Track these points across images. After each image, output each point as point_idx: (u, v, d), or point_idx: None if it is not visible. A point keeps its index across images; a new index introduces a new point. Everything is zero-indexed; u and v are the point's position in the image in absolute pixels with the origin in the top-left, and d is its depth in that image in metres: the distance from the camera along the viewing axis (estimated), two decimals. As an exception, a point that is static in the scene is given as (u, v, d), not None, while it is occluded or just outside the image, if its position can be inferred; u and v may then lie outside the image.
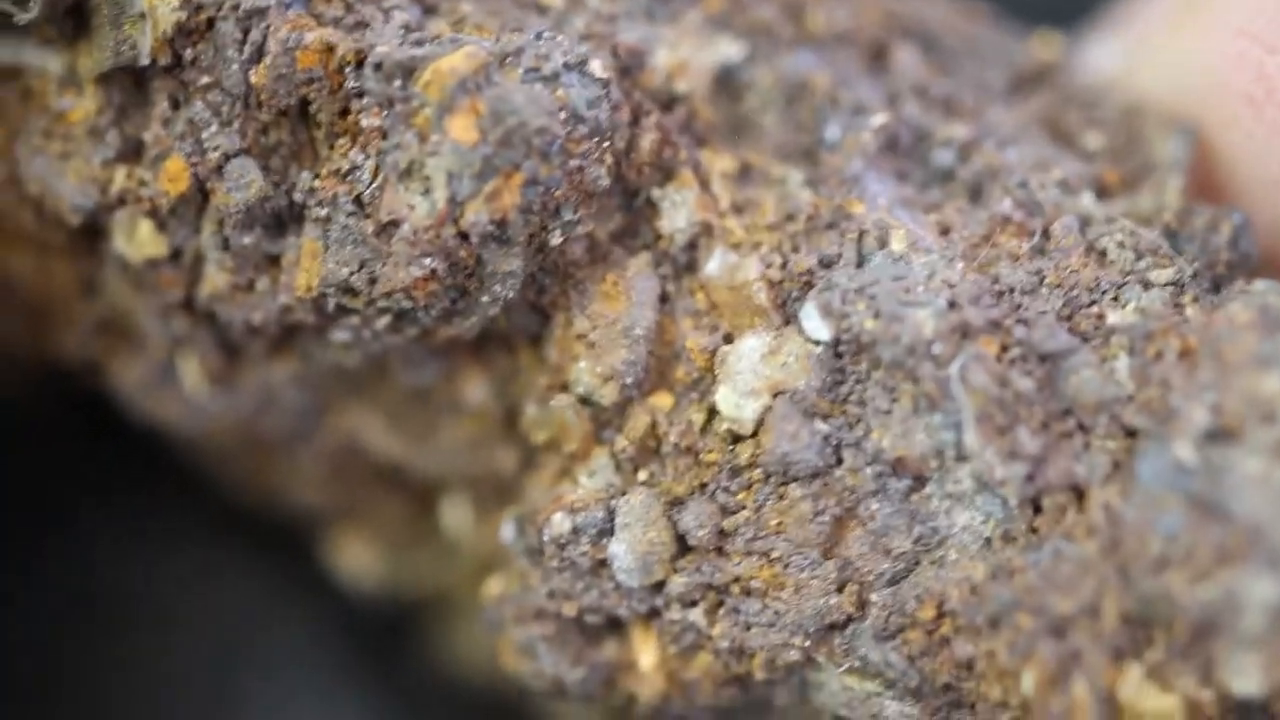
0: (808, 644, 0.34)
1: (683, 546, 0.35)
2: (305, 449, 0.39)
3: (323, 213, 0.34)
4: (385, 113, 0.33)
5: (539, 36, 0.33)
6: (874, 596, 0.34)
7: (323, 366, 0.37)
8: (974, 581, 0.33)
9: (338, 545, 0.42)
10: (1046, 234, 0.35)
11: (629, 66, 0.35)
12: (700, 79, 0.36)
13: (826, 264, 0.34)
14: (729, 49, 0.36)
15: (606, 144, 0.34)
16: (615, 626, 0.36)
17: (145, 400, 0.38)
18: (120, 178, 0.35)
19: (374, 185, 0.33)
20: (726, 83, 0.36)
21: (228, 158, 0.34)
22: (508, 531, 0.36)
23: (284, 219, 0.34)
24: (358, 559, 0.42)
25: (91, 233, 0.36)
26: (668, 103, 0.36)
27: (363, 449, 0.39)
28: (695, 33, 0.36)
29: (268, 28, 0.34)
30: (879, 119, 0.36)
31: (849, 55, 0.37)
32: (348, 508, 0.41)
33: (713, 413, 0.34)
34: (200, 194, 0.34)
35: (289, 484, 0.41)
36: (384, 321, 0.34)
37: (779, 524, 0.34)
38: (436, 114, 0.33)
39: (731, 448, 0.34)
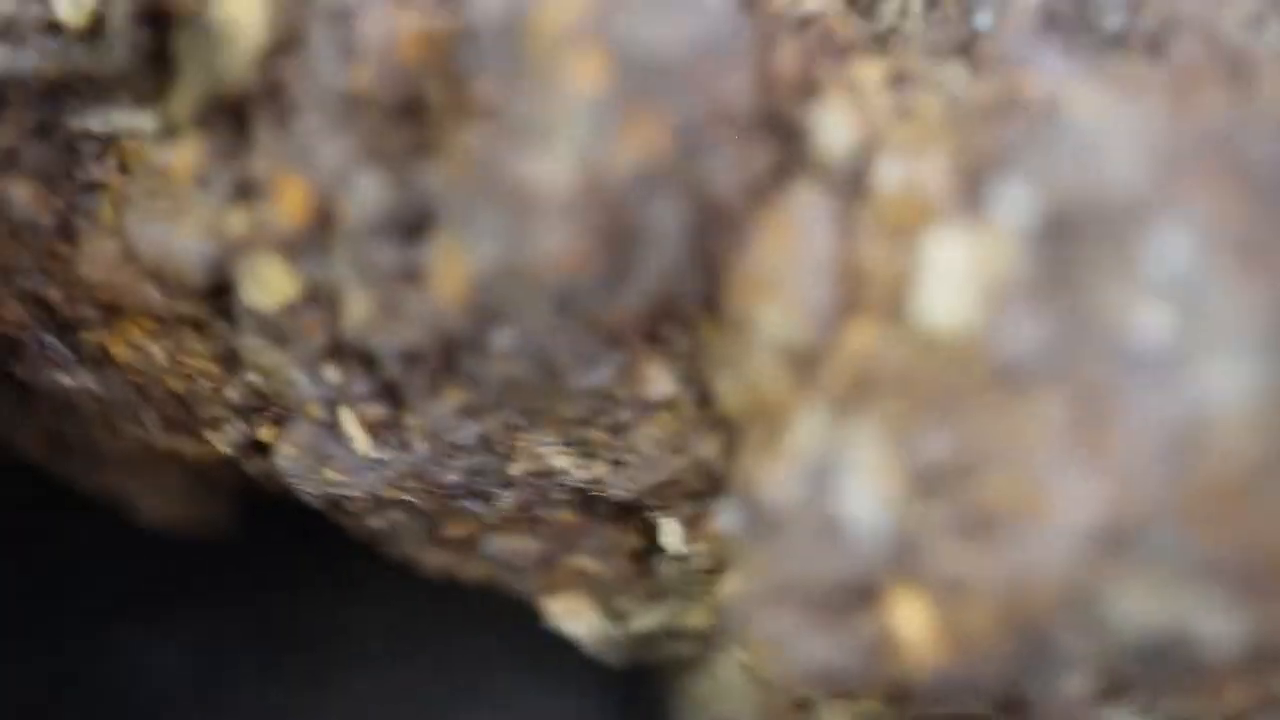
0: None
1: (922, 480, 0.31)
2: (496, 493, 0.36)
3: (456, 204, 0.31)
4: (500, 79, 0.30)
5: None
6: None
7: (491, 387, 0.34)
8: None
9: (556, 607, 0.39)
10: (1244, 76, 0.31)
11: None
12: None
13: (1006, 151, 0.31)
14: (854, -42, 0.34)
15: (744, 70, 0.31)
16: (869, 590, 0.32)
17: (312, 472, 0.35)
18: (237, 219, 0.32)
19: (503, 160, 0.31)
20: None
21: (345, 171, 0.32)
22: (729, 517, 0.33)
23: (416, 223, 0.32)
24: (581, 617, 0.39)
25: (220, 295, 0.33)
26: (800, 25, 0.33)
27: (554, 481, 0.35)
28: None
29: (359, 26, 0.31)
30: None
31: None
32: (553, 558, 0.38)
33: (919, 326, 0.31)
34: (323, 217, 0.32)
35: (483, 541, 0.38)
36: (544, 309, 0.31)
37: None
38: (557, 65, 0.30)
39: (950, 359, 0.31)
